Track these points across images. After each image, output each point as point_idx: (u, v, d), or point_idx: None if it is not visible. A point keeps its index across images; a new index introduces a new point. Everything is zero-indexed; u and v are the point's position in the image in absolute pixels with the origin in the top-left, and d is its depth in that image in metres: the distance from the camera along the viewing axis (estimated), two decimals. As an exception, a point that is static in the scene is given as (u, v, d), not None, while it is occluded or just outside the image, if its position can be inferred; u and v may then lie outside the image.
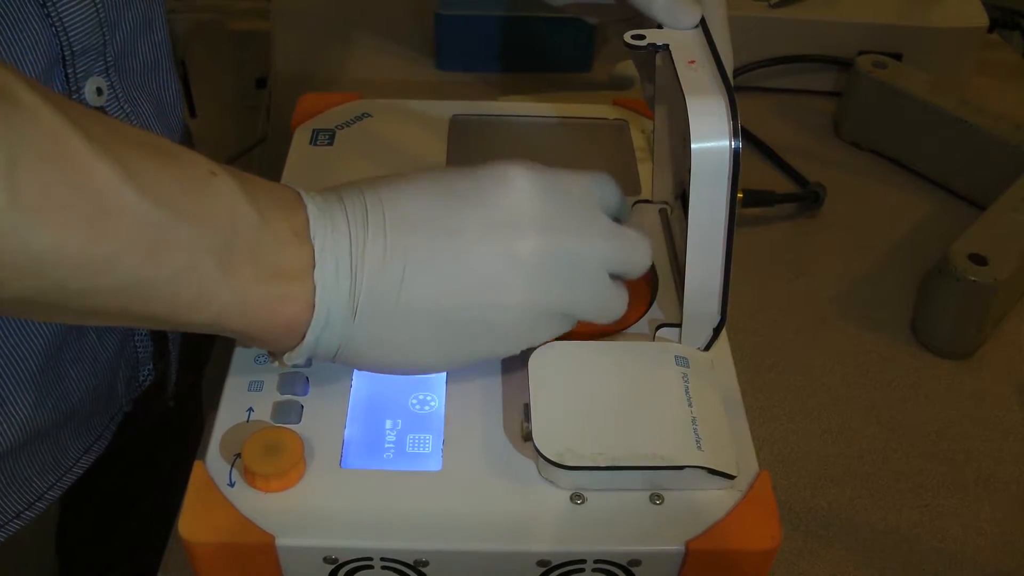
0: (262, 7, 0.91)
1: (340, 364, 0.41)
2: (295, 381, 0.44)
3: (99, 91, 0.48)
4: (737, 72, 0.83)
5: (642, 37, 0.45)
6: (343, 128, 0.60)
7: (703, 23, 0.45)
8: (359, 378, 0.45)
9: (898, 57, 0.81)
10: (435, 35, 0.86)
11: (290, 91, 0.77)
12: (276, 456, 0.40)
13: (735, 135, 0.41)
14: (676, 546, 0.39)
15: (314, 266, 0.38)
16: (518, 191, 0.40)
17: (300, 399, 0.44)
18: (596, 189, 0.43)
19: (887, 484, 0.55)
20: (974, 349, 0.63)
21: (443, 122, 0.61)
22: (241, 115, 1.39)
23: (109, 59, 0.48)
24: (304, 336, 0.39)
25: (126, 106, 0.50)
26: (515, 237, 0.40)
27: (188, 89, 1.39)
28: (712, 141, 0.40)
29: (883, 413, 0.59)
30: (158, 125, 0.53)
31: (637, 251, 0.43)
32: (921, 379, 0.62)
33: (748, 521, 0.40)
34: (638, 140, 0.60)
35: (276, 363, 0.41)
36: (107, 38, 0.48)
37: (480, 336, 0.41)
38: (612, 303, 0.43)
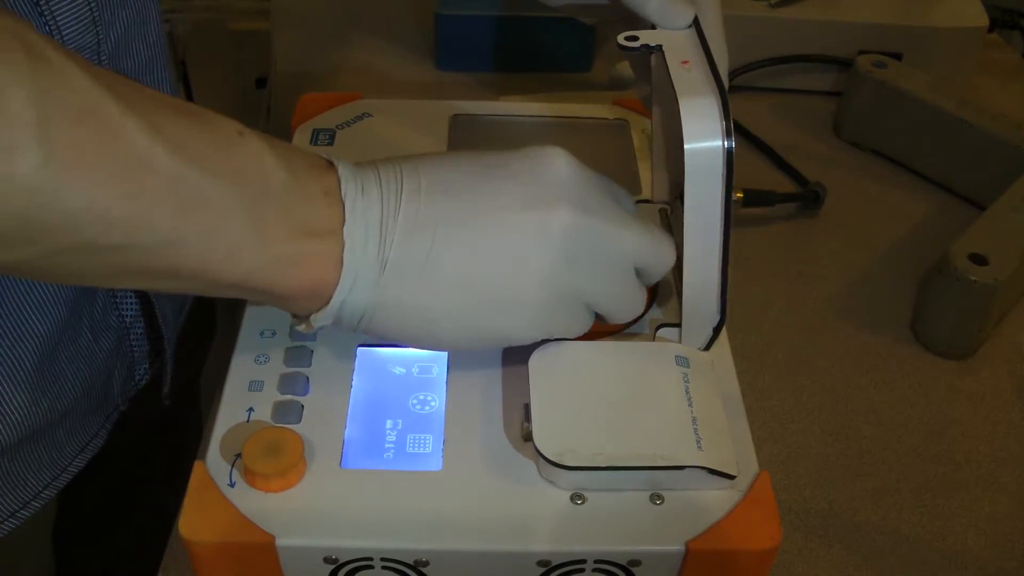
0: (262, 7, 0.91)
1: (362, 332, 0.41)
2: (295, 381, 0.44)
3: None
4: (737, 72, 0.83)
5: (635, 38, 0.45)
6: (343, 128, 0.60)
7: (696, 23, 0.45)
8: (359, 378, 0.45)
9: (898, 57, 0.81)
10: (435, 35, 0.86)
11: (290, 91, 0.77)
12: (276, 456, 0.40)
13: (728, 135, 0.40)
14: (676, 546, 0.39)
15: (343, 224, 0.38)
16: (556, 168, 0.40)
17: (300, 399, 0.44)
18: (618, 192, 0.44)
19: (887, 484, 0.55)
20: (974, 349, 0.63)
21: (443, 122, 0.61)
22: (241, 115, 1.39)
23: (103, 58, 0.48)
24: (331, 298, 0.39)
25: None
26: (549, 210, 0.40)
27: (188, 89, 1.39)
28: (705, 141, 0.40)
29: (883, 413, 0.59)
30: None
31: (663, 249, 0.43)
32: (921, 379, 0.62)
33: (748, 521, 0.40)
34: (638, 140, 0.60)
35: (303, 326, 0.41)
36: (101, 37, 0.47)
37: (502, 312, 0.41)
38: (633, 300, 0.43)
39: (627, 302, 0.43)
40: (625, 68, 0.83)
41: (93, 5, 0.47)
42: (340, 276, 0.38)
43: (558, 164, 0.41)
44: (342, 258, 0.38)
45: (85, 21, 0.46)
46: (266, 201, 0.36)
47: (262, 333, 0.47)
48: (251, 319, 0.47)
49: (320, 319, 0.40)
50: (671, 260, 0.44)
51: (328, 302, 0.39)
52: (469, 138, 0.60)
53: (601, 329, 0.46)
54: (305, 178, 0.38)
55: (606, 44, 0.91)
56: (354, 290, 0.39)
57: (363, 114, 0.61)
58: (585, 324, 0.43)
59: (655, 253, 0.43)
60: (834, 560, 0.51)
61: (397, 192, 0.39)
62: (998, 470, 0.56)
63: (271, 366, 0.45)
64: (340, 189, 0.38)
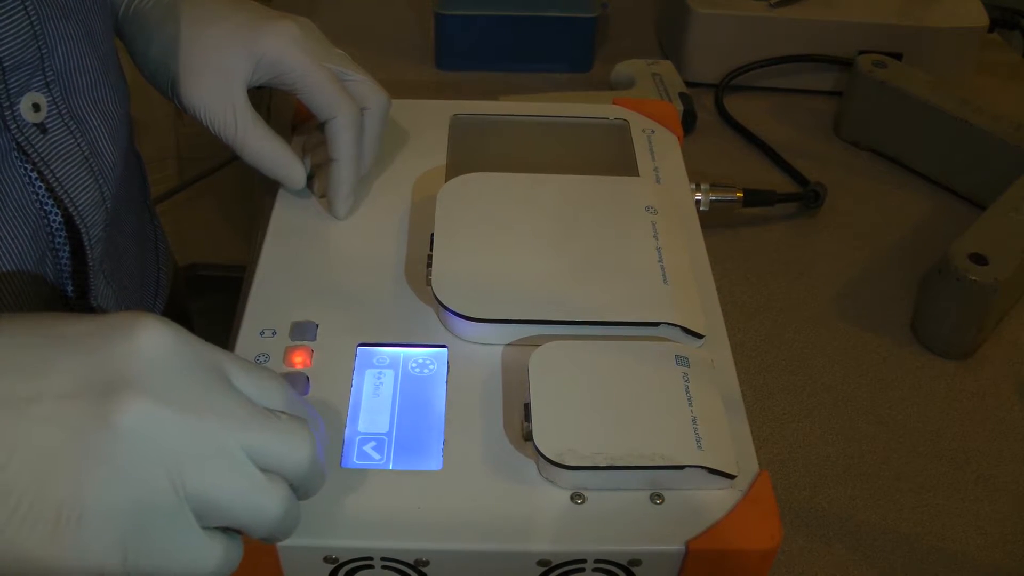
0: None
1: None
2: (295, 381, 0.44)
3: (36, 107, 0.45)
4: (737, 72, 0.84)
5: None
6: (343, 128, 0.59)
7: None
8: (359, 378, 0.45)
9: (898, 57, 0.81)
10: (435, 35, 0.86)
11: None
12: (276, 456, 0.40)
13: None
14: (676, 546, 0.39)
15: None
16: (138, 342, 0.32)
17: (300, 399, 0.44)
18: (244, 375, 0.35)
19: (887, 484, 0.55)
20: (974, 349, 0.63)
21: (443, 122, 0.61)
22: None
23: (50, 74, 0.45)
24: None
25: (71, 123, 0.47)
26: (111, 396, 0.31)
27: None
28: None
29: (883, 413, 0.60)
30: (109, 143, 0.49)
31: (293, 443, 0.34)
32: (921, 379, 0.62)
33: (748, 521, 0.40)
34: (638, 140, 0.60)
35: None
36: (44, 52, 0.44)
37: (33, 534, 0.30)
38: (262, 503, 0.33)
39: (256, 508, 0.33)
40: (625, 68, 0.83)
41: (33, 19, 0.43)
42: None
43: (143, 336, 0.32)
44: None
45: (24, 36, 0.43)
46: None
47: (262, 333, 0.47)
48: (251, 319, 0.47)
49: None
50: (304, 454, 0.34)
51: None
52: (469, 139, 0.60)
53: None
54: None
55: (606, 44, 0.91)
56: None
57: (363, 114, 0.61)
58: (205, 545, 0.33)
59: (279, 450, 0.34)
60: (834, 560, 0.52)
61: None
62: (998, 470, 0.56)
63: (271, 366, 0.45)
64: None
